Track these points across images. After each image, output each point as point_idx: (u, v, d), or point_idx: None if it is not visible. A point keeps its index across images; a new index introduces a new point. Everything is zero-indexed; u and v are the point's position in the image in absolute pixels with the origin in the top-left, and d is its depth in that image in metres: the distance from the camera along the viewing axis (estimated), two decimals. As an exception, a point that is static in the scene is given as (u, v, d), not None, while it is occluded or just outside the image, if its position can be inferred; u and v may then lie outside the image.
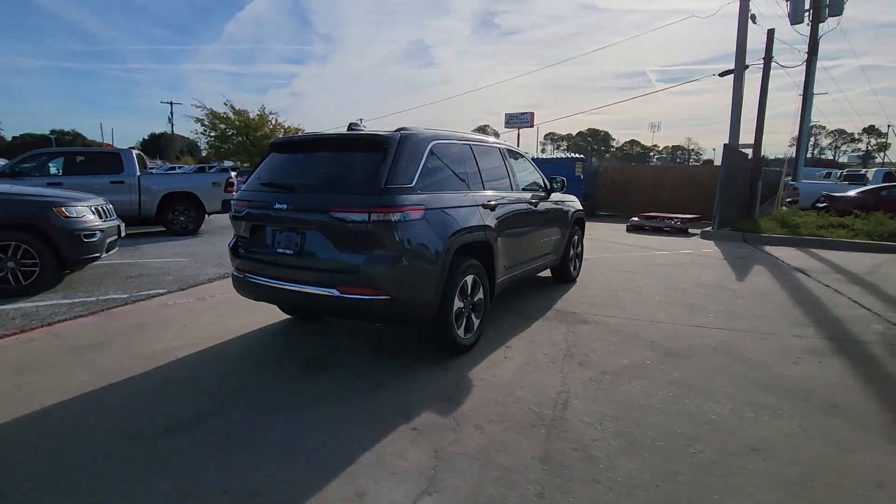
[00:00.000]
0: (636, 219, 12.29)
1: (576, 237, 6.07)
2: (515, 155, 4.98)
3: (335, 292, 3.07)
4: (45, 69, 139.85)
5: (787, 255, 8.34)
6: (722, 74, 15.25)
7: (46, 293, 5.24)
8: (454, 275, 3.42)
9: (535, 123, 52.95)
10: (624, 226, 12.48)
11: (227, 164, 30.93)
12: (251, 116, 35.07)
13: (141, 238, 9.70)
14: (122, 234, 6.30)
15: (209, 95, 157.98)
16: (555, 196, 5.43)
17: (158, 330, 4.17)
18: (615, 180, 17.60)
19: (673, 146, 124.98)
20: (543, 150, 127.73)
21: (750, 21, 13.99)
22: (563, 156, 14.58)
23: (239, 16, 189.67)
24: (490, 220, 3.89)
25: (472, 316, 3.75)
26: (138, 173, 9.79)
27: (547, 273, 6.10)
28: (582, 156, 14.63)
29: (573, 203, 6.04)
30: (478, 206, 3.75)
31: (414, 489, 2.11)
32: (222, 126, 34.96)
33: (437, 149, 3.56)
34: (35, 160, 9.45)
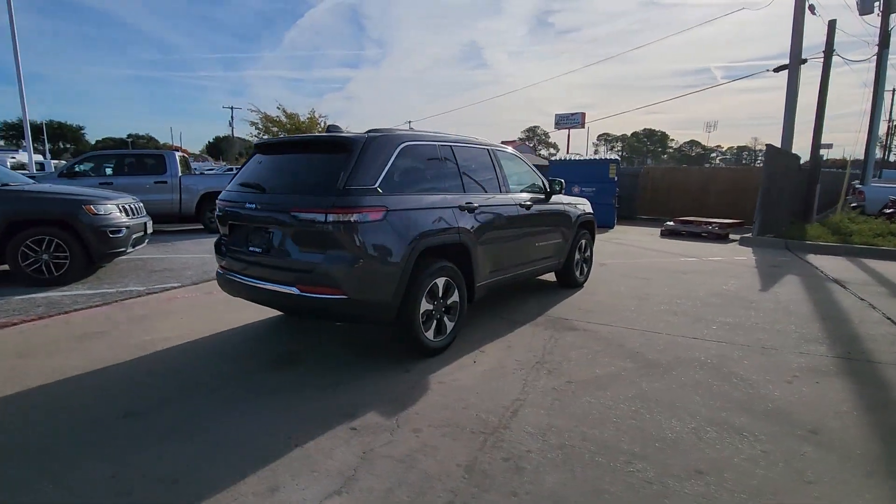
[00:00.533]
0: (671, 223, 11.72)
1: (583, 241, 5.88)
2: (508, 157, 4.89)
3: (295, 290, 3.15)
4: (126, 78, 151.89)
5: (830, 265, 7.68)
6: (777, 70, 14.25)
7: (76, 284, 5.69)
8: (421, 276, 3.42)
9: (586, 124, 51.82)
10: (660, 230, 11.93)
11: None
12: (301, 119, 36.45)
13: (180, 235, 10.32)
14: (150, 231, 6.73)
15: (269, 100, 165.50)
16: (556, 199, 5.28)
17: (158, 321, 4.42)
18: (657, 183, 16.86)
19: (738, 147, 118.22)
20: (596, 152, 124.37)
21: (808, 12, 13.02)
22: (596, 157, 14.11)
23: (299, 23, 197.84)
24: (468, 222, 3.85)
25: (446, 319, 3.72)
26: (180, 174, 10.43)
27: (552, 276, 5.95)
28: (616, 157, 14.08)
29: (580, 206, 5.85)
30: (453, 208, 3.72)
31: (327, 488, 2.13)
32: (275, 129, 36.55)
33: (408, 150, 3.56)
34: (91, 162, 10.28)
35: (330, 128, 3.79)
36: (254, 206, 3.37)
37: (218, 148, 73.99)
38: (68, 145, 73.52)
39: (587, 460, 2.35)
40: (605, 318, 4.65)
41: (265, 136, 37.59)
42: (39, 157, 29.04)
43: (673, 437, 2.57)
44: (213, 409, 2.83)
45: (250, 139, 39.62)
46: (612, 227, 12.97)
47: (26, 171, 14.41)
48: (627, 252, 8.86)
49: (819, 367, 3.53)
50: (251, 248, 3.46)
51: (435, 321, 3.62)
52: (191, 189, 10.47)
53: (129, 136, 76.84)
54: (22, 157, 21.52)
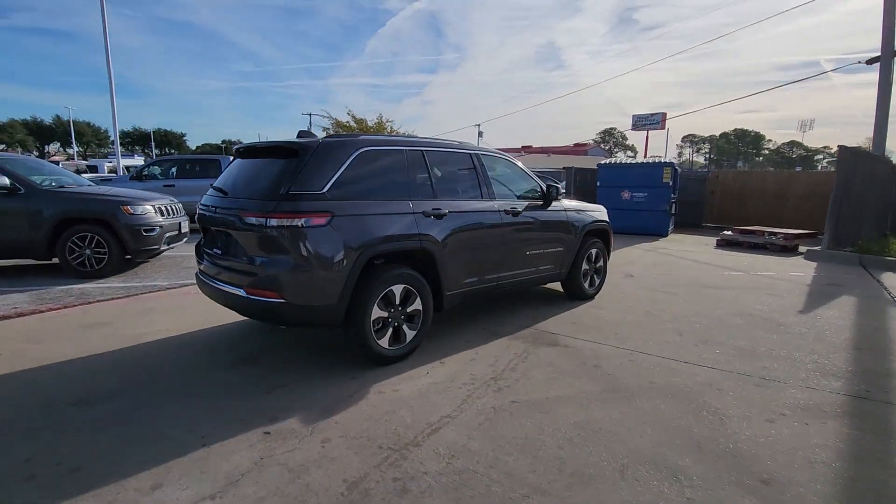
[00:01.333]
0: (729, 233, 10.70)
1: (593, 251, 5.52)
2: (500, 162, 4.71)
3: (242, 293, 3.23)
4: (224, 89, 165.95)
5: (908, 285, 6.62)
6: (870, 62, 12.60)
7: (113, 277, 6.27)
8: (372, 283, 3.38)
9: (667, 124, 49.03)
10: (716, 240, 10.95)
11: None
12: (369, 124, 37.78)
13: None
14: (185, 231, 7.26)
15: (351, 106, 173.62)
16: (557, 206, 5.01)
17: (160, 315, 4.74)
18: (728, 189, 15.51)
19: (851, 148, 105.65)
20: (680, 154, 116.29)
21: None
22: (649, 160, 13.21)
23: (380, 32, 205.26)
24: (435, 229, 3.75)
25: (405, 327, 3.65)
26: (233, 177, 11.16)
27: (560, 286, 5.67)
28: (671, 160, 13.12)
29: (590, 213, 5.51)
30: (414, 214, 3.64)
31: (204, 491, 2.15)
32: (343, 133, 38.20)
33: (365, 156, 3.54)
34: (158, 166, 11.32)
35: (300, 133, 3.87)
36: (216, 209, 3.51)
37: (299, 152, 78.62)
38: (172, 150, 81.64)
39: (481, 489, 2.19)
40: (597, 335, 4.33)
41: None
42: (141, 161, 32.40)
43: (593, 473, 2.32)
44: (155, 402, 2.97)
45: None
46: (664, 236, 12.12)
47: (115, 175, 16.18)
48: (666, 263, 8.22)
49: (819, 406, 3.04)
50: (215, 251, 3.61)
51: (391, 329, 3.56)
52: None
53: (224, 141, 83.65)
54: (137, 161, 24.17)
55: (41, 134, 67.88)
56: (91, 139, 72.10)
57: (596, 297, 5.69)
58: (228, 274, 3.39)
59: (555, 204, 5.01)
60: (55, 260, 6.16)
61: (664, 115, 46.70)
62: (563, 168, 15.19)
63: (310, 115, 58.75)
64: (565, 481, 2.26)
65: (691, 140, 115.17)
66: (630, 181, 12.58)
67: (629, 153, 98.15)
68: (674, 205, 12.63)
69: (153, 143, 77.88)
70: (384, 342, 3.52)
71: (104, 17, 15.36)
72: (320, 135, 3.83)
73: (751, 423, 2.82)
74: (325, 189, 3.25)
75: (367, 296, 3.36)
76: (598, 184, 13.00)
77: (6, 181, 5.91)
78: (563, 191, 5.07)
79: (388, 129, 38.52)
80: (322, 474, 2.29)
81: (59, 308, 4.88)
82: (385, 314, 3.51)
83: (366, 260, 3.32)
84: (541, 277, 5.01)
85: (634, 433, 2.69)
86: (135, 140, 75.39)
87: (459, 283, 4.04)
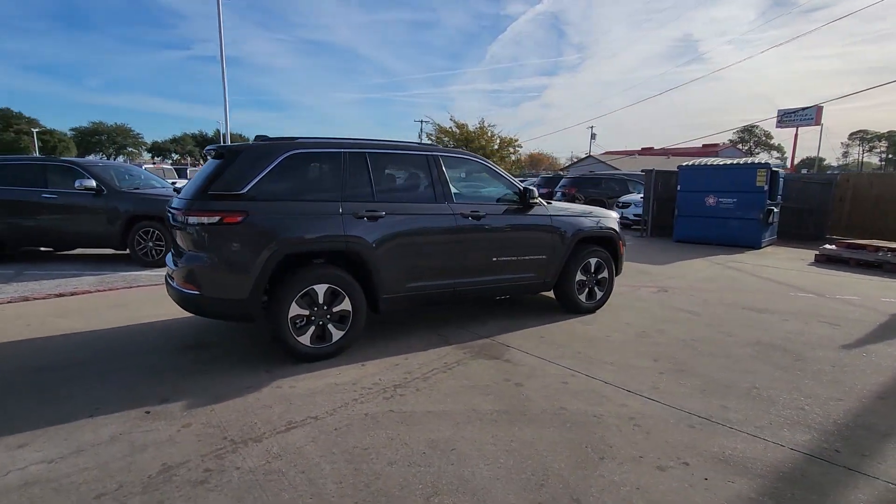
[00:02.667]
0: (832, 247, 8.93)
1: (592, 260, 5.04)
2: (464, 163, 4.54)
3: (175, 284, 3.55)
4: (357, 100, 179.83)
5: None
6: None
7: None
8: (291, 280, 3.49)
9: (822, 120, 42.93)
10: (814, 255, 9.21)
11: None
12: (470, 129, 38.26)
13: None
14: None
15: (469, 112, 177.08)
16: (540, 209, 4.67)
17: (170, 302, 5.36)
18: (861, 194, 12.99)
19: None
20: (846, 154, 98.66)
21: None
22: (741, 161, 11.45)
23: (501, 37, 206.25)
24: (366, 230, 3.75)
25: (331, 326, 3.70)
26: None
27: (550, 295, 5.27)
28: (767, 161, 11.26)
29: (587, 219, 5.04)
30: (343, 215, 3.67)
31: (51, 455, 2.42)
32: (446, 139, 39.16)
33: (294, 159, 3.65)
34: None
35: (257, 137, 4.12)
36: (171, 209, 3.89)
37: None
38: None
39: (271, 493, 2.16)
40: (555, 353, 3.96)
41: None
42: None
43: (398, 495, 2.16)
44: (98, 375, 3.38)
45: (427, 149, 43.22)
46: (756, 248, 10.51)
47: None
48: (724, 278, 7.14)
49: (749, 459, 2.46)
50: (173, 250, 4.00)
51: (314, 327, 3.64)
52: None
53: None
54: None
55: (205, 144, 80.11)
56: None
57: (598, 310, 5.17)
58: (174, 269, 3.74)
59: (537, 208, 4.68)
60: (128, 250, 7.28)
61: (819, 108, 40.60)
62: (643, 170, 13.94)
63: (421, 122, 61.08)
64: (360, 498, 2.13)
65: (862, 137, 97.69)
66: (716, 185, 11.14)
67: (775, 154, 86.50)
68: (772, 212, 10.89)
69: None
70: (305, 340, 3.60)
71: (221, 45, 17.69)
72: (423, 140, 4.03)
73: (633, 467, 2.38)
74: (246, 190, 3.44)
75: (285, 293, 3.48)
76: (679, 188, 11.71)
77: (93, 183, 7.13)
78: (538, 193, 4.69)
79: (489, 133, 38.66)
80: (150, 456, 2.44)
81: (106, 290, 5.77)
82: (306, 312, 3.59)
83: (280, 258, 3.44)
84: (519, 286, 4.71)
85: (485, 460, 2.43)
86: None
87: (401, 286, 3.97)
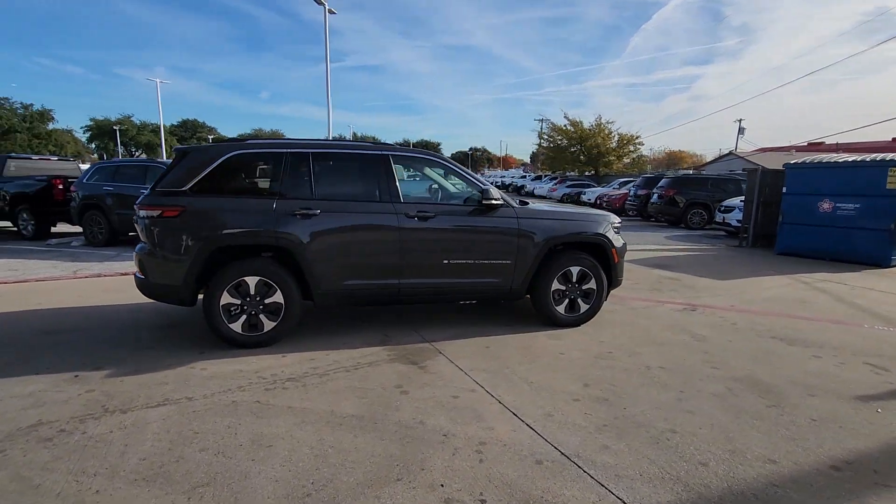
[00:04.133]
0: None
1: (574, 268, 4.57)
2: (420, 163, 4.43)
3: (135, 270, 4.07)
4: (488, 101, 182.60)
5: None
6: None
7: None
8: (223, 271, 3.79)
9: None
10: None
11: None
12: (585, 126, 36.44)
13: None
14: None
15: (605, 108, 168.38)
16: (507, 211, 4.38)
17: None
18: None
19: None
20: None
21: None
22: (867, 158, 9.10)
23: (645, 27, 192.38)
24: (299, 227, 3.89)
25: (262, 317, 3.92)
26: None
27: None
28: None
29: (568, 222, 4.59)
30: (277, 212, 3.86)
31: (-22, 400, 3.00)
32: (558, 138, 37.84)
33: (236, 159, 3.93)
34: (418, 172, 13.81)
35: (212, 141, 4.51)
36: None
37: (533, 159, 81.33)
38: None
39: (75, 460, 2.41)
40: (483, 366, 3.71)
41: (546, 146, 39.44)
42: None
43: (176, 478, 2.26)
44: (74, 341, 4.05)
45: (539, 147, 42.16)
46: (883, 266, 8.44)
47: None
48: (792, 301, 5.89)
49: (559, 512, 2.08)
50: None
51: (246, 316, 3.89)
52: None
53: (471, 149, 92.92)
54: None
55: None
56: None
57: (584, 324, 4.68)
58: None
59: (503, 209, 4.40)
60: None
61: None
62: (744, 169, 12.00)
63: (541, 120, 59.93)
64: (144, 475, 2.27)
65: None
66: (833, 187, 9.17)
67: None
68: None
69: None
70: (237, 327, 3.88)
71: (327, 50, 19.31)
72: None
73: (422, 494, 2.17)
74: (188, 187, 3.82)
75: (217, 282, 3.79)
76: (785, 190, 9.88)
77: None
78: (498, 194, 4.36)
79: (606, 131, 36.46)
80: (38, 412, 2.86)
81: (121, 274, 6.76)
82: (238, 302, 3.86)
83: (211, 250, 3.75)
84: (478, 290, 4.47)
85: (285, 461, 2.41)
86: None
87: (338, 283, 4.05)
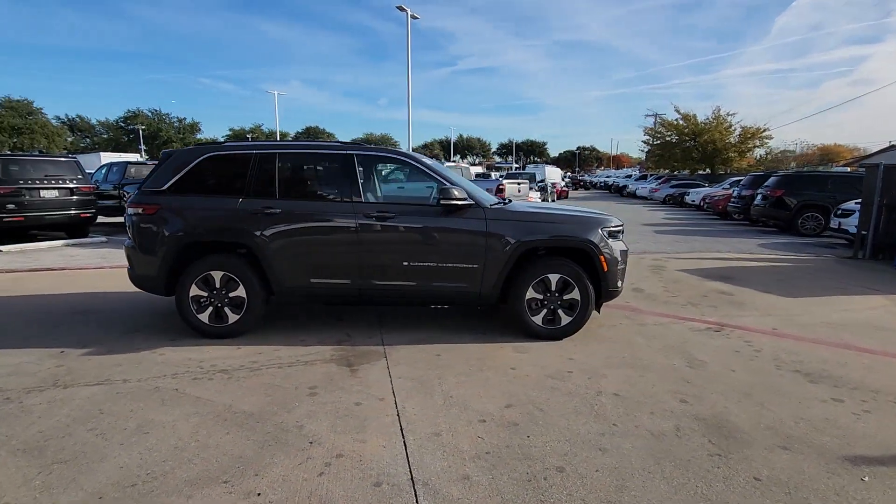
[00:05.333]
0: None
1: (552, 276, 4.15)
2: (387, 162, 4.31)
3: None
4: (603, 98, 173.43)
5: None
6: None
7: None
8: (192, 265, 4.08)
9: None
10: None
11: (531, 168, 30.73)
12: (699, 120, 33.00)
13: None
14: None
15: (743, 99, 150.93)
16: (476, 212, 4.13)
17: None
18: None
19: None
20: None
21: None
22: None
23: (795, 4, 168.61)
24: (261, 226, 4.05)
25: (227, 309, 4.14)
26: (443, 180, 12.85)
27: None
28: None
29: (543, 224, 4.20)
30: (240, 210, 4.05)
31: (-23, 366, 3.57)
32: (667, 134, 34.71)
33: (209, 160, 4.19)
34: (401, 170, 14.16)
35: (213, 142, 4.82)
36: None
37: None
38: (537, 159, 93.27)
39: None
40: (415, 374, 3.53)
41: (654, 142, 36.27)
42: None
43: (48, 452, 2.48)
44: (89, 322, 4.64)
45: (648, 145, 38.87)
46: None
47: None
48: (865, 328, 4.72)
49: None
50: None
51: (212, 308, 4.14)
52: (447, 193, 12.73)
53: (578, 147, 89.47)
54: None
55: (449, 148, 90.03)
56: (479, 151, 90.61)
57: (561, 337, 4.23)
58: None
59: (472, 210, 4.15)
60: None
61: None
62: (858, 166, 9.87)
63: (655, 115, 55.96)
64: (23, 447, 2.53)
65: None
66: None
67: None
68: None
69: (521, 153, 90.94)
70: (204, 318, 4.14)
71: (408, 55, 19.83)
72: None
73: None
74: (166, 187, 4.17)
75: (187, 275, 4.09)
76: (908, 191, 7.99)
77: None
78: (462, 194, 4.07)
79: (727, 124, 32.72)
80: (4, 381, 3.32)
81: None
82: (205, 294, 4.12)
83: (180, 245, 4.06)
84: (444, 295, 4.26)
85: (137, 446, 2.51)
86: (508, 150, 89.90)
87: (300, 280, 4.14)
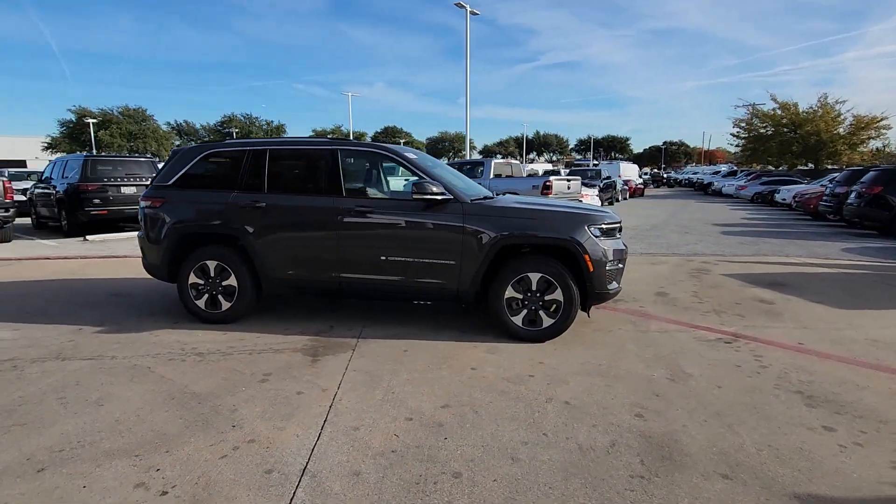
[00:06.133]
0: None
1: (533, 276, 3.95)
2: (370, 157, 4.39)
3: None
4: (700, 88, 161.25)
5: None
6: None
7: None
8: (190, 254, 4.40)
9: None
10: None
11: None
12: (801, 110, 29.57)
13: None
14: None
15: (866, 84, 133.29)
16: (455, 208, 4.05)
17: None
18: None
19: None
20: None
21: None
22: None
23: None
24: (247, 218, 4.27)
25: (220, 297, 4.41)
26: (491, 177, 12.71)
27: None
28: None
29: (525, 220, 4.01)
30: (229, 203, 4.30)
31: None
32: (761, 126, 31.49)
33: (208, 157, 4.48)
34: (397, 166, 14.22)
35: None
36: None
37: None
38: (618, 155, 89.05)
39: (-4, 388, 3.16)
40: (371, 367, 3.54)
41: (745, 136, 32.95)
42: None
43: (15, 412, 2.81)
44: (119, 303, 5.16)
45: (733, 138, 35.39)
46: None
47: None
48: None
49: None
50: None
51: (207, 295, 4.43)
52: (493, 190, 12.54)
53: (665, 142, 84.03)
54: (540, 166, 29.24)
55: (526, 146, 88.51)
56: (555, 147, 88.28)
57: (542, 339, 4.03)
58: None
59: (451, 205, 4.07)
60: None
61: None
62: None
63: (749, 104, 51.22)
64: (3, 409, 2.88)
65: None
66: None
67: None
68: None
69: (601, 149, 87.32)
70: (201, 304, 4.45)
71: (467, 52, 19.70)
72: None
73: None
74: (171, 182, 4.52)
75: (186, 264, 4.41)
76: None
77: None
78: (439, 189, 3.96)
79: (834, 113, 29.15)
80: (17, 351, 3.79)
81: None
82: (201, 282, 4.42)
83: (179, 236, 4.38)
84: (422, 291, 4.22)
85: (82, 418, 2.76)
86: (587, 147, 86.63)
87: (283, 272, 4.31)
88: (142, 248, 4.72)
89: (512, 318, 4.05)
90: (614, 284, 4.15)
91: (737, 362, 3.65)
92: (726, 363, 3.64)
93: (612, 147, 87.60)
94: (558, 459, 2.39)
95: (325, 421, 2.76)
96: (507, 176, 13.45)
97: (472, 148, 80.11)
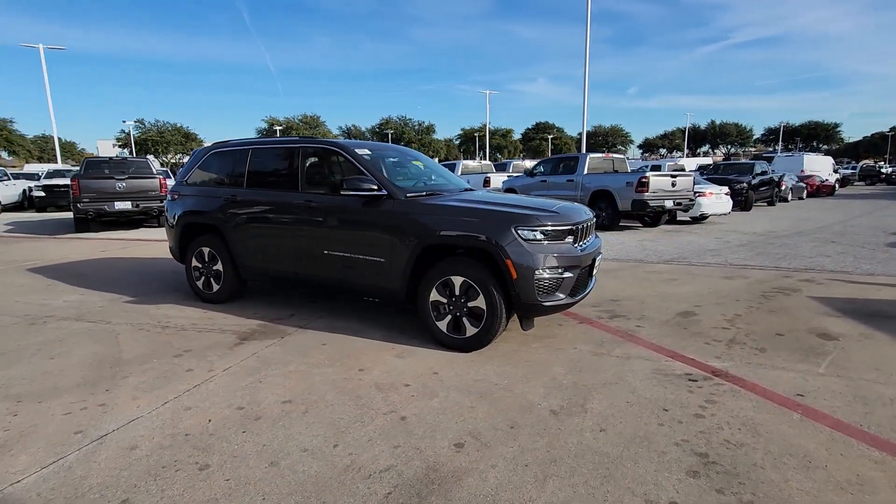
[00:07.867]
0: None
1: (456, 280, 3.66)
2: (330, 153, 4.48)
3: (171, 240, 5.82)
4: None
5: None
6: None
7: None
8: (191, 242, 5.11)
9: None
10: None
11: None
12: None
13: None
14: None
15: None
16: (389, 205, 3.96)
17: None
18: None
19: None
20: None
21: None
22: None
23: None
24: (226, 211, 4.79)
25: (212, 280, 5.02)
26: (585, 173, 11.81)
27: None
28: None
29: (454, 220, 3.70)
30: (217, 198, 4.85)
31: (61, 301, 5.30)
32: None
33: (214, 156, 5.09)
34: (542, 165, 13.49)
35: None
36: None
37: None
38: (822, 145, 73.77)
39: None
40: (272, 354, 3.69)
41: None
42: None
43: (-2, 358, 3.65)
44: (161, 279, 6.20)
45: None
46: None
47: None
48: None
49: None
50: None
51: (203, 278, 5.07)
52: (586, 187, 11.63)
53: (891, 129, 66.84)
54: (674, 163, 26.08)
55: (696, 138, 78.75)
56: (735, 138, 76.72)
57: (473, 346, 3.71)
58: None
59: (385, 201, 3.99)
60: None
61: None
62: None
63: None
64: (-2, 352, 3.76)
65: None
66: None
67: None
68: None
69: (798, 139, 73.37)
70: (199, 285, 5.12)
71: (587, 34, 18.21)
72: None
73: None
74: (186, 179, 5.27)
75: (190, 250, 5.13)
76: None
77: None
78: (366, 184, 3.83)
79: None
80: (61, 312, 4.84)
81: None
82: (200, 265, 5.08)
83: (182, 226, 5.10)
84: (359, 287, 4.23)
85: (43, 365, 3.43)
86: (776, 137, 73.45)
87: (256, 262, 4.73)
88: (167, 235, 5.61)
89: (437, 323, 3.80)
90: (558, 296, 3.59)
91: (671, 405, 2.89)
92: (654, 404, 2.90)
93: (813, 135, 72.74)
94: (314, 473, 2.24)
95: (175, 398, 3.00)
96: (604, 171, 12.28)
97: (630, 142, 74.24)
